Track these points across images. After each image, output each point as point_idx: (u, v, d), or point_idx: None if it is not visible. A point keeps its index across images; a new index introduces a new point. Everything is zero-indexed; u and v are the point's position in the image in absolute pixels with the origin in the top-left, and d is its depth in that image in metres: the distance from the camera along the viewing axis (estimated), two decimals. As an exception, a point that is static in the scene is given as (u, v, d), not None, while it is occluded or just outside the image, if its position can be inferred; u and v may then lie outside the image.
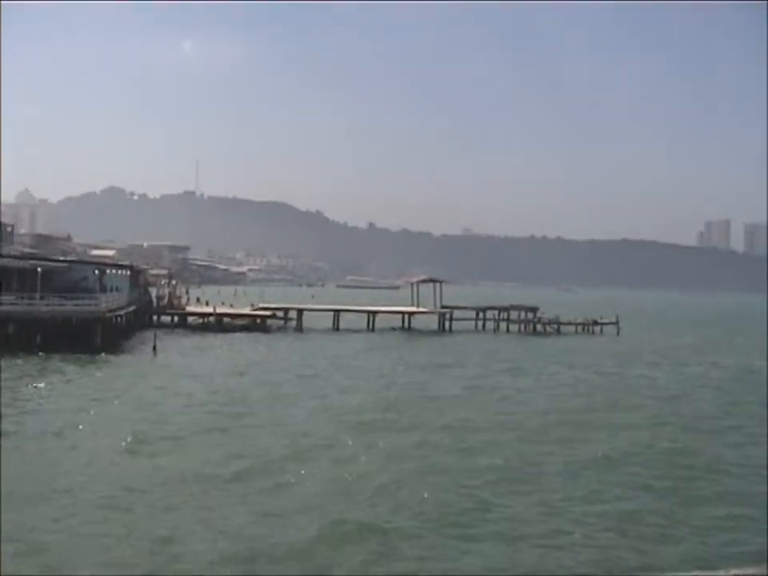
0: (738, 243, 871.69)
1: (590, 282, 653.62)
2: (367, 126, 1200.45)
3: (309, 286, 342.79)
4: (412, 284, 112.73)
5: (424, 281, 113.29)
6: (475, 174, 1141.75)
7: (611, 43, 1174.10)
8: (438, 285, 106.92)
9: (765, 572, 2.41)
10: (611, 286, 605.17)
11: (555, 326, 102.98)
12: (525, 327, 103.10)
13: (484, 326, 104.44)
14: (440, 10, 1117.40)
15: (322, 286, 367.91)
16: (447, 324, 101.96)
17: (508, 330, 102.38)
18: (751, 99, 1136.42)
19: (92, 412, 37.91)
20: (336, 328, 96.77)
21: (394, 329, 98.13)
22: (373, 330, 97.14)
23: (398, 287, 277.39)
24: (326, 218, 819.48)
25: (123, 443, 31.02)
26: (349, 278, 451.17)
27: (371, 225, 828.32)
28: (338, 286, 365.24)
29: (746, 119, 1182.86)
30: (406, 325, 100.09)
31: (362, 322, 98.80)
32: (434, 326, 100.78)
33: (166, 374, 53.26)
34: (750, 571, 2.43)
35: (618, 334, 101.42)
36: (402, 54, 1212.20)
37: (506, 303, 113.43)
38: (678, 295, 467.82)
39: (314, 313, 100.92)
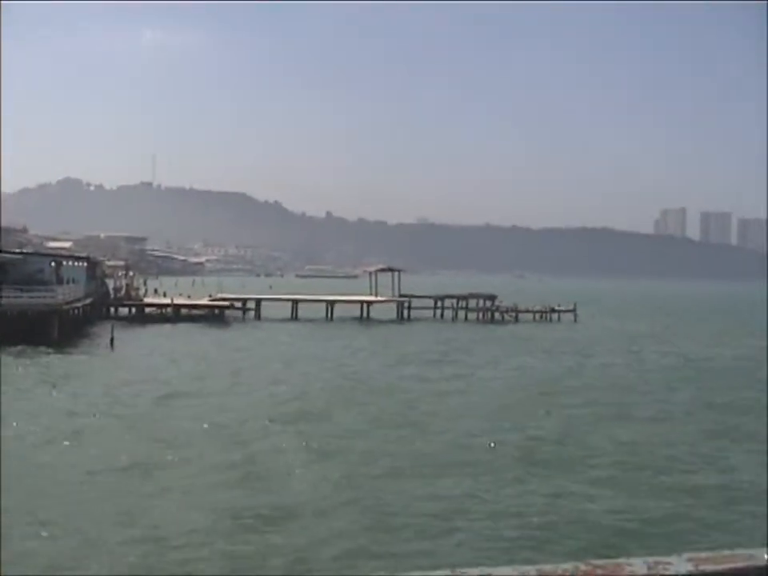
0: (693, 231, 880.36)
1: (547, 270, 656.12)
2: (324, 117, 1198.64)
3: (267, 275, 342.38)
4: (370, 273, 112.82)
5: (382, 270, 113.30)
6: (430, 163, 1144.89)
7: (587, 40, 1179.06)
8: (395, 274, 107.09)
9: (719, 557, 2.46)
10: (568, 274, 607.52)
11: (513, 314, 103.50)
12: (483, 315, 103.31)
13: (442, 314, 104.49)
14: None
15: (281, 275, 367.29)
16: (405, 313, 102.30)
17: (466, 318, 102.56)
18: (715, 92, 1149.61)
19: (43, 405, 37.71)
20: (295, 318, 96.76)
21: (353, 318, 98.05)
22: (331, 319, 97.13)
23: (356, 276, 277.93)
24: (285, 209, 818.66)
25: (62, 436, 30.84)
26: (307, 267, 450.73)
27: (328, 214, 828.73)
28: (296, 276, 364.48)
29: (707, 111, 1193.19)
30: (365, 314, 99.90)
31: (320, 311, 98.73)
32: (393, 314, 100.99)
33: (121, 366, 52.99)
34: (704, 555, 2.48)
35: (575, 321, 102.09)
36: (368, 45, 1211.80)
37: (464, 291, 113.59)
38: (634, 282, 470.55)
39: (273, 303, 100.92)
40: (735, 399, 43.62)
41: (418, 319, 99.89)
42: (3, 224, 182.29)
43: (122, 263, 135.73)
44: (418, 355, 62.78)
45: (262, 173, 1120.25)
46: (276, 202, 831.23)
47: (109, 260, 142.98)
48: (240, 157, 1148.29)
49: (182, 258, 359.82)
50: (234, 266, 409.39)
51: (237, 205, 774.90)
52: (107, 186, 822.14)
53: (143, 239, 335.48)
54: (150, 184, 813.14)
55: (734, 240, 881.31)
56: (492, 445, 30.86)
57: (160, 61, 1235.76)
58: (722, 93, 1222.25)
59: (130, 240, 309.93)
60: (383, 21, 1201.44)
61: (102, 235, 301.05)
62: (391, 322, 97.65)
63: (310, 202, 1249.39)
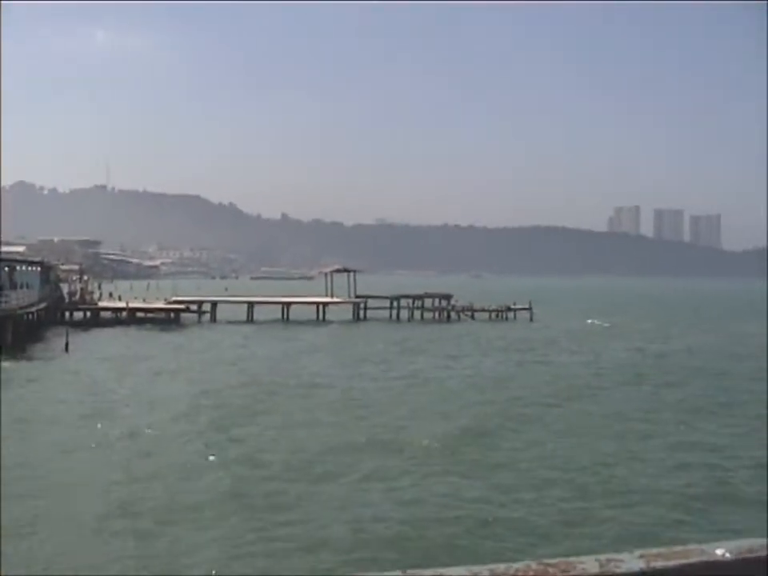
0: (647, 229, 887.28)
1: (503, 269, 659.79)
2: (278, 117, 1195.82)
3: (222, 278, 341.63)
4: (326, 274, 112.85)
5: (338, 270, 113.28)
6: (387, 164, 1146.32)
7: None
8: (351, 274, 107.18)
9: (671, 553, 2.49)
10: (524, 273, 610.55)
11: (469, 313, 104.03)
12: (439, 315, 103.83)
13: (398, 314, 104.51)
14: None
15: (236, 278, 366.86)
16: (362, 313, 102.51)
17: (422, 317, 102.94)
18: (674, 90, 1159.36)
19: None
20: (250, 320, 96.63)
21: (309, 319, 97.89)
22: (287, 320, 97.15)
23: (312, 277, 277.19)
24: (240, 210, 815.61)
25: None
26: (263, 269, 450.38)
27: (284, 215, 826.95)
28: (252, 278, 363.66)
29: (663, 110, 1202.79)
30: (321, 315, 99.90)
31: (276, 313, 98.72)
32: (349, 315, 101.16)
33: (75, 371, 52.78)
34: (656, 551, 2.51)
35: (531, 319, 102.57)
36: (316, 45, 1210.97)
37: (420, 291, 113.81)
38: (589, 280, 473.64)
39: (229, 305, 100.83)
40: (686, 397, 44.19)
41: (374, 319, 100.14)
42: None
43: (76, 267, 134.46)
44: (372, 355, 63.12)
45: (216, 175, 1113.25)
46: (231, 203, 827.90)
47: (63, 264, 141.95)
48: (194, 159, 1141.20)
49: (137, 261, 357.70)
50: (189, 269, 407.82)
51: (191, 207, 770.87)
52: (61, 190, 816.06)
53: (97, 243, 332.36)
54: (104, 187, 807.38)
55: (686, 237, 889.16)
56: (425, 443, 31.08)
57: (112, 62, 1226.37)
58: (683, 93, 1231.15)
59: (85, 244, 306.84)
60: (330, 19, 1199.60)
61: (56, 239, 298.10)
62: (347, 322, 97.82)
63: (266, 204, 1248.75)
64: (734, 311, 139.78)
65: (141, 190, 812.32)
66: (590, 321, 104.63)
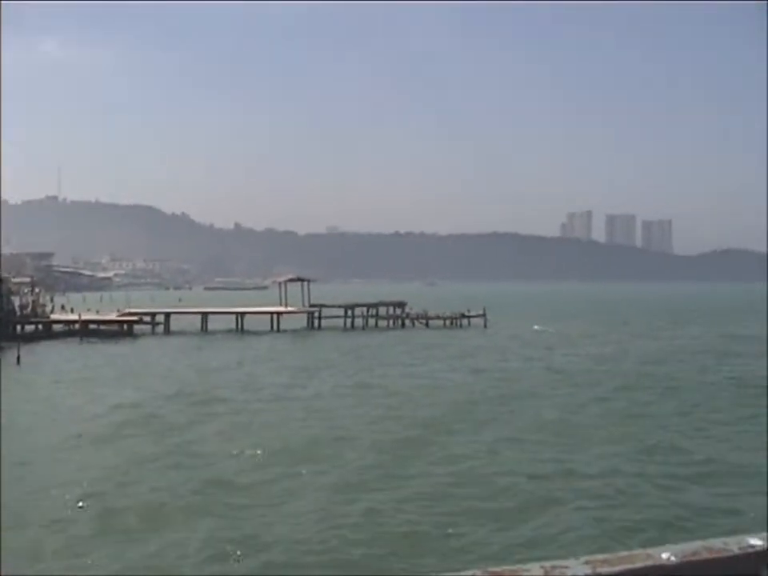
0: (599, 234, 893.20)
1: (457, 276, 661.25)
2: (229, 127, 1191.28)
3: (176, 289, 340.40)
4: (280, 284, 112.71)
5: (292, 280, 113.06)
6: (337, 172, 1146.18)
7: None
8: (305, 284, 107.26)
9: (616, 558, 2.59)
10: (478, 279, 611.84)
11: (424, 321, 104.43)
12: (393, 323, 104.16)
13: (353, 323, 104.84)
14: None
15: (190, 288, 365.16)
16: (316, 322, 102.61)
17: (377, 326, 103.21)
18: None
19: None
20: (204, 330, 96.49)
21: (263, 329, 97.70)
22: (242, 330, 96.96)
23: (266, 287, 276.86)
24: (192, 220, 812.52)
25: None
26: (217, 279, 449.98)
27: (237, 225, 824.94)
28: (205, 289, 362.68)
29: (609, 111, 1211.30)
30: (275, 324, 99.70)
31: (230, 323, 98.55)
32: (304, 324, 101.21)
33: (25, 382, 52.54)
34: (602, 557, 2.59)
35: (485, 326, 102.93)
36: (271, 48, 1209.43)
37: (374, 300, 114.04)
38: (541, 285, 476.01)
39: (183, 316, 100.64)
40: (633, 403, 44.55)
41: (328, 328, 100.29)
42: None
43: (27, 280, 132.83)
44: (326, 364, 63.12)
45: (168, 185, 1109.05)
46: (183, 213, 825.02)
47: (14, 277, 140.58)
48: (146, 169, 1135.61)
49: (90, 273, 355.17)
50: (143, 280, 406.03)
51: (144, 218, 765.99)
52: (11, 201, 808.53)
53: (49, 255, 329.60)
54: (55, 198, 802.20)
55: (638, 242, 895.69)
56: (370, 452, 31.05)
57: (62, 71, 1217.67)
58: (635, 97, 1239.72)
59: (36, 256, 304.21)
60: (282, 21, 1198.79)
61: (7, 252, 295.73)
62: (301, 331, 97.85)
63: (218, 214, 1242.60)
64: (685, 315, 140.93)
65: (93, 200, 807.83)
66: (536, 327, 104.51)
